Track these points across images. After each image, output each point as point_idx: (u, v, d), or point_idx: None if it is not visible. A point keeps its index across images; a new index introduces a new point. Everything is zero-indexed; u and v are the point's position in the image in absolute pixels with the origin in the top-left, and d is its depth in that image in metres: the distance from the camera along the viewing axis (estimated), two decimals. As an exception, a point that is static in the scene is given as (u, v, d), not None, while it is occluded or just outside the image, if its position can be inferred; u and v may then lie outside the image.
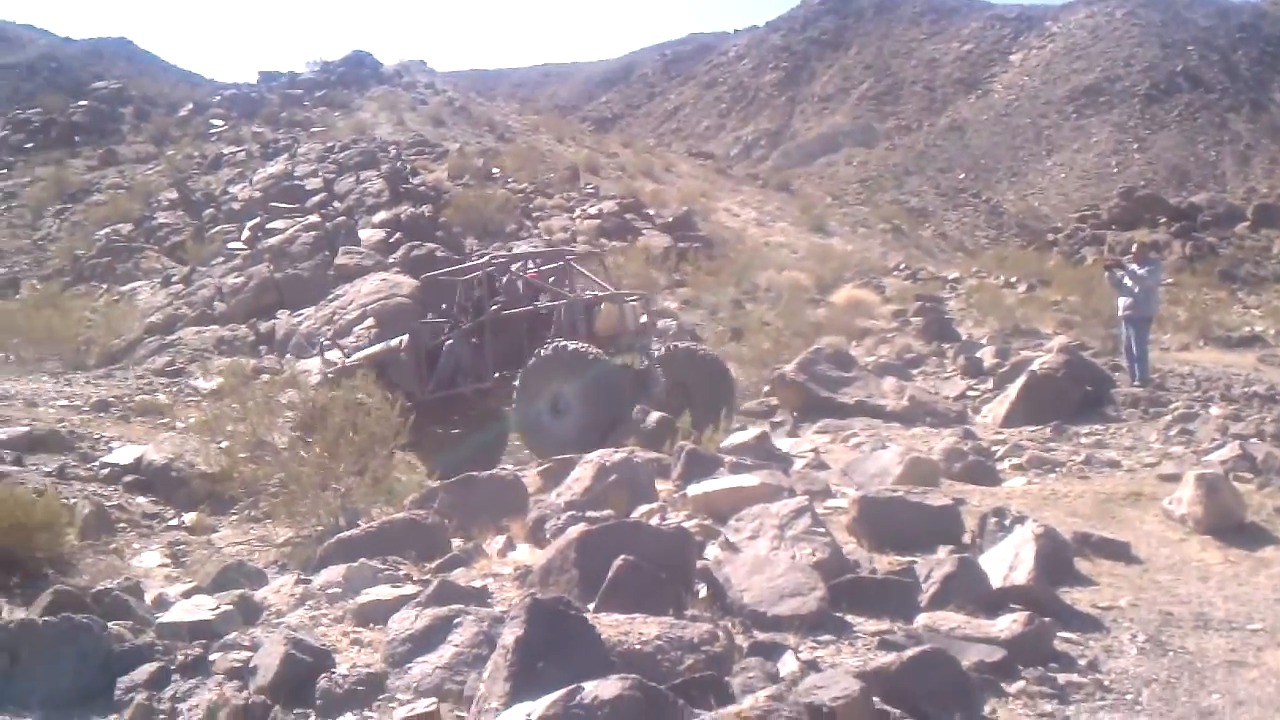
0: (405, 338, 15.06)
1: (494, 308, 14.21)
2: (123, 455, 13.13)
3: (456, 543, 8.48)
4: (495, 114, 48.01)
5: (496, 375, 14.03)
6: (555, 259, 16.10)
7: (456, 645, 5.23)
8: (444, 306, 15.79)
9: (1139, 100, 69.32)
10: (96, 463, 13.13)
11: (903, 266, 32.28)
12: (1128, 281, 15.02)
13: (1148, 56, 73.09)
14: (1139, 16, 77.20)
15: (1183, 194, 48.06)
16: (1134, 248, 17.33)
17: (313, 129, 40.11)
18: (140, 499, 12.13)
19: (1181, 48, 73.37)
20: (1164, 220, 39.25)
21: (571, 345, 13.03)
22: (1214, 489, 8.59)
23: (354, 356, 15.62)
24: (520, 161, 36.72)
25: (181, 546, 10.51)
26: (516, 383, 13.26)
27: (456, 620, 5.39)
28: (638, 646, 5.02)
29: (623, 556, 5.83)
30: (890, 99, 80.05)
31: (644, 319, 14.62)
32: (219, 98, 48.18)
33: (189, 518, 11.35)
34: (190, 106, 47.07)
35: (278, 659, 5.04)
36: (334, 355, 16.32)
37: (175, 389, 19.02)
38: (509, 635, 4.75)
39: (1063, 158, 67.48)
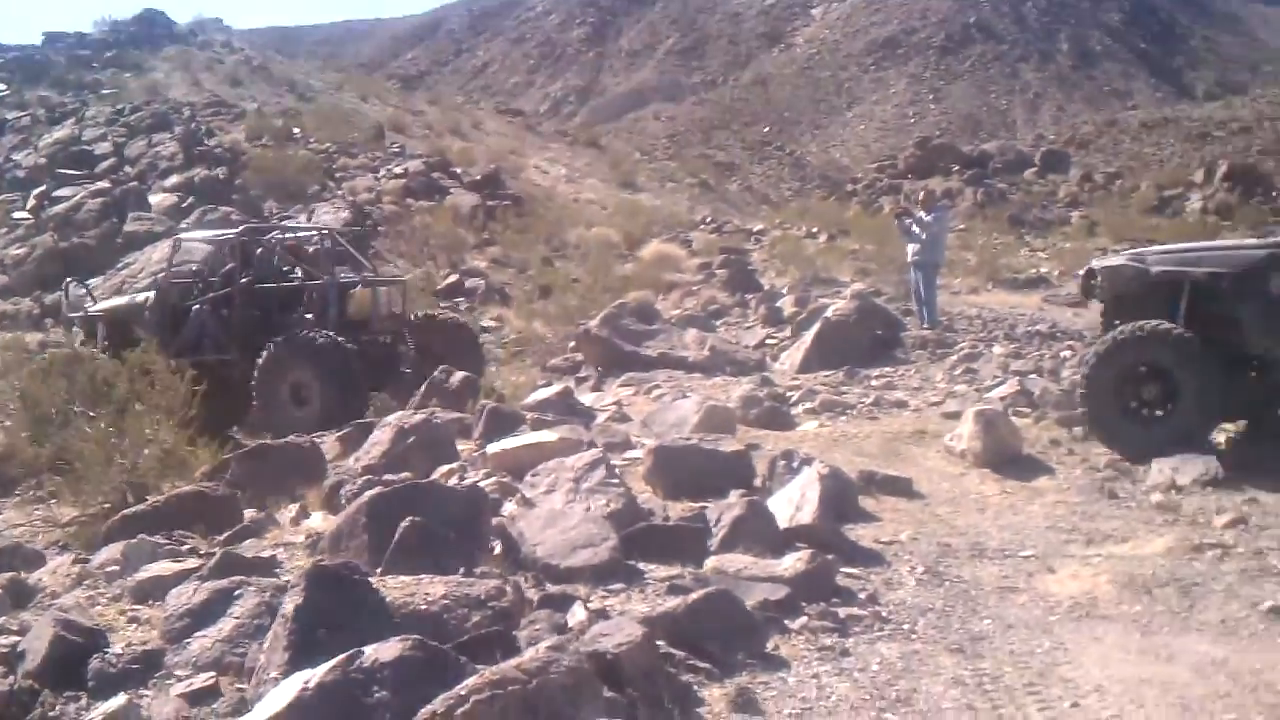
0: (151, 294, 14.49)
1: (244, 280, 13.71)
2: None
3: (250, 514, 8.31)
4: (296, 72, 46.55)
5: (243, 349, 13.44)
6: (327, 233, 15.40)
7: (237, 618, 5.13)
8: (194, 268, 15.12)
9: (934, 52, 71.58)
10: None
11: (709, 220, 32.63)
12: (915, 229, 15.55)
13: (942, 9, 75.41)
14: (935, -31, 79.55)
15: (975, 143, 49.92)
16: (920, 195, 17.92)
17: (103, 91, 38.23)
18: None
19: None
20: (957, 168, 40.80)
21: (308, 334, 12.79)
22: (991, 424, 9.03)
23: (95, 307, 14.95)
24: (322, 121, 35.73)
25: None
26: (256, 371, 12.87)
27: (237, 592, 5.28)
28: (424, 607, 5.01)
29: (409, 518, 5.80)
30: (696, 54, 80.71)
31: (397, 308, 14.33)
32: (1, 60, 45.46)
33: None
34: (-34, 69, 44.30)
35: (46, 641, 4.85)
36: (83, 303, 15.65)
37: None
38: (289, 604, 4.69)
39: (862, 109, 69.24)
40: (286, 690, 4.21)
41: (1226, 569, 6.49)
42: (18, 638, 5.16)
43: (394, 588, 5.14)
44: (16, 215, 26.82)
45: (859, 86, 71.47)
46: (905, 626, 5.70)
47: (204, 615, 5.21)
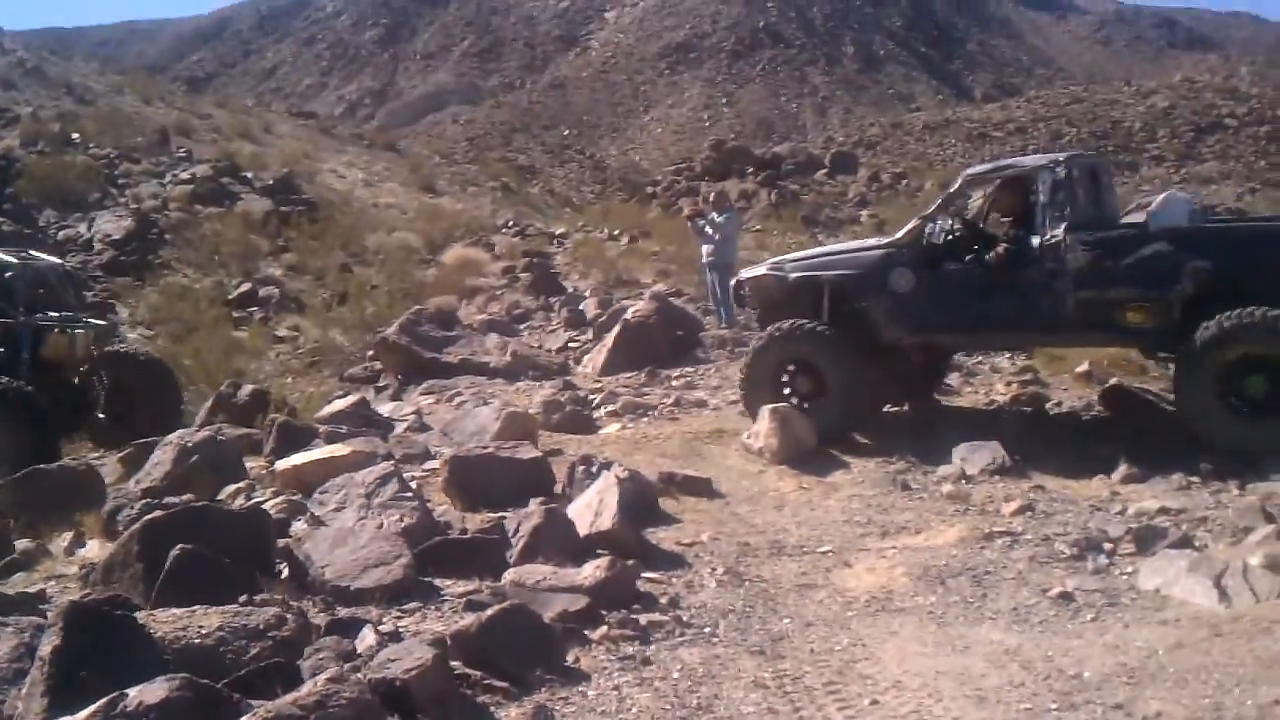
0: None
1: None
2: None
3: (23, 544, 7.78)
4: (74, 75, 44.33)
5: None
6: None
7: (-7, 661, 4.73)
8: None
9: (726, 56, 72.88)
10: None
11: (512, 224, 32.34)
12: (709, 229, 15.69)
13: (732, 14, 76.77)
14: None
15: (768, 145, 50.99)
16: (712, 197, 18.08)
17: None
18: None
19: (762, 4, 77.51)
20: (751, 170, 41.51)
21: None
22: (785, 421, 9.11)
23: None
24: (103, 125, 34.02)
25: None
26: None
27: (-10, 635, 4.87)
28: (197, 641, 4.71)
29: (179, 546, 5.46)
30: (493, 56, 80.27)
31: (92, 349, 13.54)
32: None
33: None
34: None
35: None
36: None
37: None
38: (46, 645, 4.35)
39: (659, 113, 70.02)
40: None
41: (1016, 556, 6.66)
42: None
43: (165, 621, 4.81)
44: None
45: (654, 90, 72.23)
46: (707, 630, 5.66)
47: (-51, 661, 4.78)
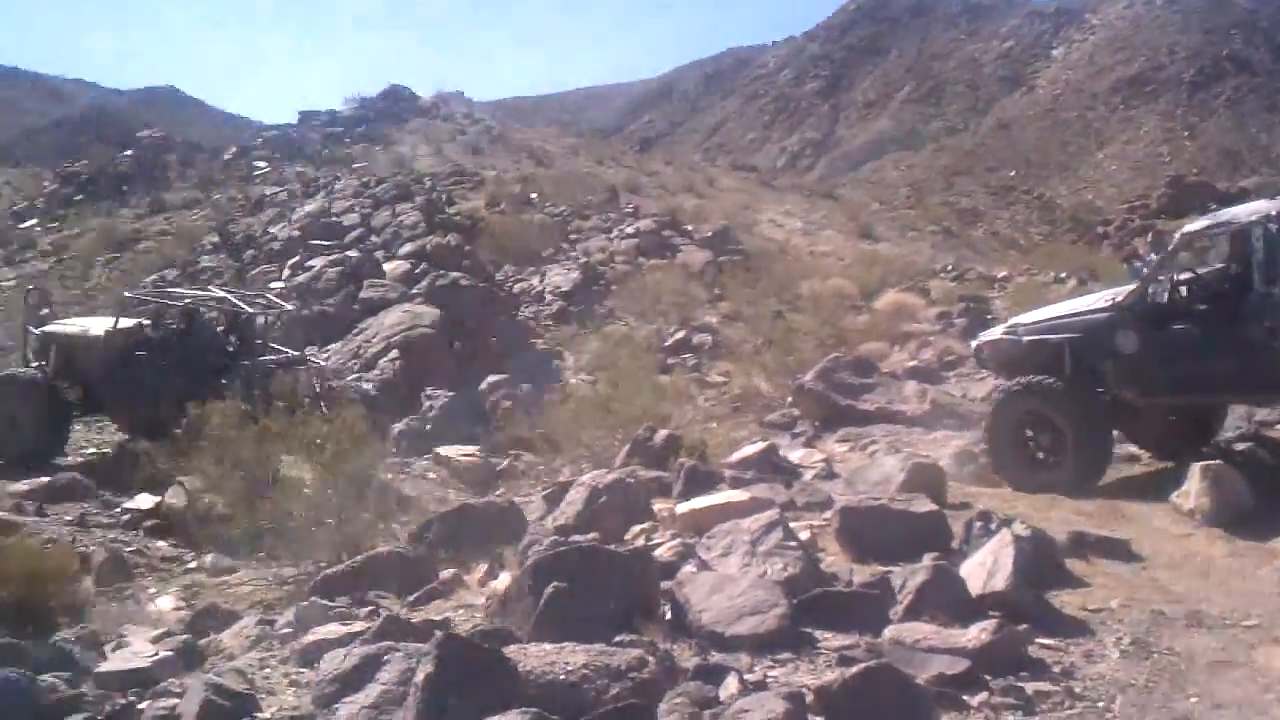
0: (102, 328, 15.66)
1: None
2: (142, 500, 13.14)
3: (445, 573, 8.36)
4: (534, 140, 48.09)
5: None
6: None
7: (384, 684, 5.07)
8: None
9: (1185, 87, 67.89)
10: (118, 509, 13.16)
11: (950, 268, 31.69)
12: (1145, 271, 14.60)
13: (1191, 43, 71.49)
14: (1179, 3, 75.52)
15: (1233, 180, 46.99)
16: (1149, 237, 16.87)
17: (354, 165, 40.40)
18: (160, 543, 12.10)
19: (1224, 32, 71.70)
20: (1213, 206, 38.40)
21: None
22: (1219, 480, 8.26)
23: (51, 327, 16.53)
24: (559, 185, 36.64)
25: (196, 589, 10.46)
26: None
27: (385, 658, 5.23)
28: (561, 677, 4.85)
29: (554, 584, 5.65)
30: (933, 100, 79.12)
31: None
32: (261, 140, 48.76)
33: (205, 560, 11.29)
34: (234, 150, 47.62)
35: (196, 704, 4.91)
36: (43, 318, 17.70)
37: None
38: (420, 673, 4.61)
39: (1113, 150, 66.24)
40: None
41: None
42: (177, 699, 5.25)
43: (535, 656, 4.99)
44: (272, 285, 28.40)
45: (1107, 126, 68.42)
46: (1100, 704, 5.19)
47: (354, 681, 5.18)
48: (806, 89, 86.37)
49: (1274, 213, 8.93)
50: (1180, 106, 66.69)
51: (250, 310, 16.85)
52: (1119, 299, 9.87)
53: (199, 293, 17.59)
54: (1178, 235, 9.90)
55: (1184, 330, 9.35)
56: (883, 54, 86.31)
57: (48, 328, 16.47)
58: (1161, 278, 9.73)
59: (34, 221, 41.70)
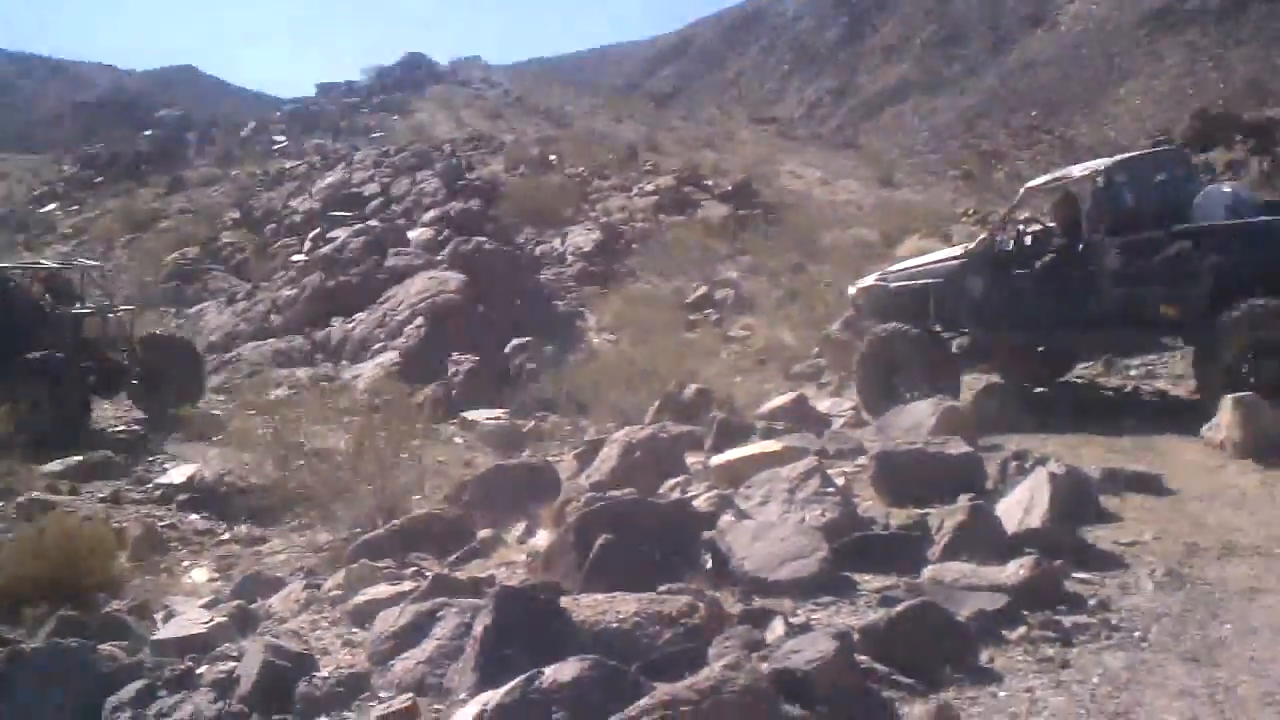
0: None
1: None
2: (176, 475, 13.36)
3: (485, 534, 8.50)
4: (552, 101, 48.00)
5: None
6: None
7: (439, 639, 5.20)
8: None
9: (1211, 17, 66.97)
10: (151, 484, 13.38)
11: (972, 212, 31.56)
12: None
13: (1217, -28, 70.60)
14: (1205, -69, 74.50)
15: (1262, 109, 46.37)
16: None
17: (373, 135, 40.44)
18: (193, 516, 12.29)
19: (1251, -42, 70.74)
20: (1240, 138, 37.97)
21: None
22: (1251, 412, 8.28)
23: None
24: (578, 146, 36.63)
25: (231, 560, 10.65)
26: None
27: (439, 614, 5.37)
28: (614, 626, 4.97)
29: (604, 536, 5.77)
30: (954, 43, 78.19)
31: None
32: (279, 114, 48.90)
33: (239, 531, 11.48)
34: (252, 125, 47.74)
35: (256, 666, 5.06)
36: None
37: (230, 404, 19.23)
38: (478, 625, 4.75)
39: (1137, 84, 65.40)
40: (469, 712, 4.24)
41: None
42: (235, 663, 5.40)
43: (587, 606, 5.12)
44: (294, 258, 28.56)
45: (1131, 62, 67.55)
46: (1136, 634, 5.26)
47: (409, 637, 5.32)
48: (825, 37, 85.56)
49: (1103, 170, 9.92)
50: (1207, 38, 65.80)
51: (57, 268, 19.75)
52: (970, 248, 11.02)
53: (9, 265, 19.60)
54: (1021, 190, 10.95)
55: (1025, 275, 10.29)
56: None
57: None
58: (1008, 228, 10.80)
59: (54, 206, 42.02)
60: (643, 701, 4.00)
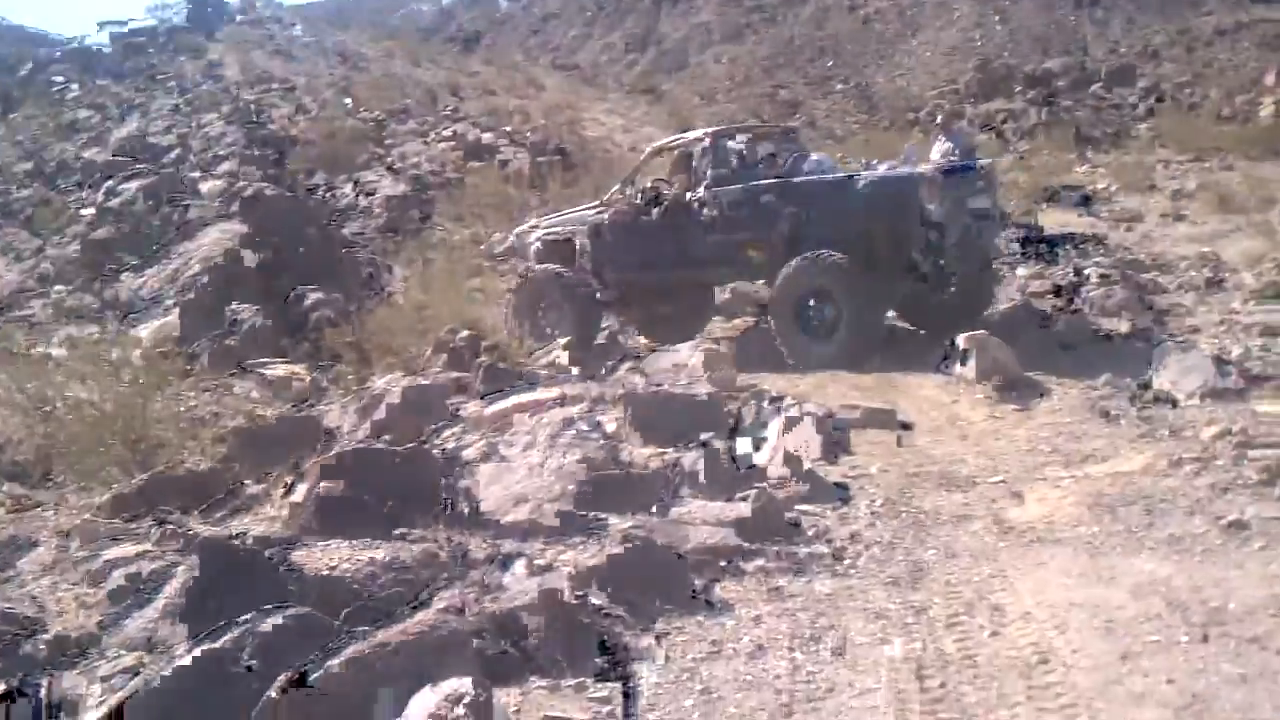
0: None
1: None
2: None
3: (252, 489, 8.40)
4: (348, 43, 46.77)
5: None
6: None
7: (168, 596, 5.22)
8: None
9: (997, -29, 69.50)
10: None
11: (768, 158, 32.16)
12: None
13: (1003, -74, 73.11)
14: (992, -115, 76.96)
15: (1043, 61, 48.51)
16: (938, 120, 17.67)
17: (160, 76, 38.69)
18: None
19: (1035, -86, 73.44)
20: (1019, 88, 39.72)
21: None
22: (983, 347, 8.83)
23: None
24: (374, 90, 35.81)
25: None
26: None
27: (171, 572, 5.38)
28: (343, 575, 5.05)
29: (325, 482, 5.86)
30: (753, -9, 79.38)
31: None
32: (59, 53, 46.33)
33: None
34: (30, 65, 45.10)
35: (-24, 630, 5.00)
36: None
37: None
38: (184, 579, 4.80)
39: (927, 36, 67.20)
40: (175, 663, 4.30)
41: (1199, 484, 6.31)
42: (-35, 626, 5.30)
43: (321, 557, 5.19)
44: (84, 212, 27.20)
45: (921, 13, 69.38)
46: (846, 561, 5.62)
47: (142, 595, 5.31)
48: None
49: (705, 138, 11.75)
50: (995, -9, 68.21)
51: None
52: (607, 199, 12.52)
53: None
54: (648, 149, 13.00)
55: (648, 223, 11.91)
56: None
57: None
58: (637, 182, 12.47)
59: None
60: (349, 650, 4.12)
